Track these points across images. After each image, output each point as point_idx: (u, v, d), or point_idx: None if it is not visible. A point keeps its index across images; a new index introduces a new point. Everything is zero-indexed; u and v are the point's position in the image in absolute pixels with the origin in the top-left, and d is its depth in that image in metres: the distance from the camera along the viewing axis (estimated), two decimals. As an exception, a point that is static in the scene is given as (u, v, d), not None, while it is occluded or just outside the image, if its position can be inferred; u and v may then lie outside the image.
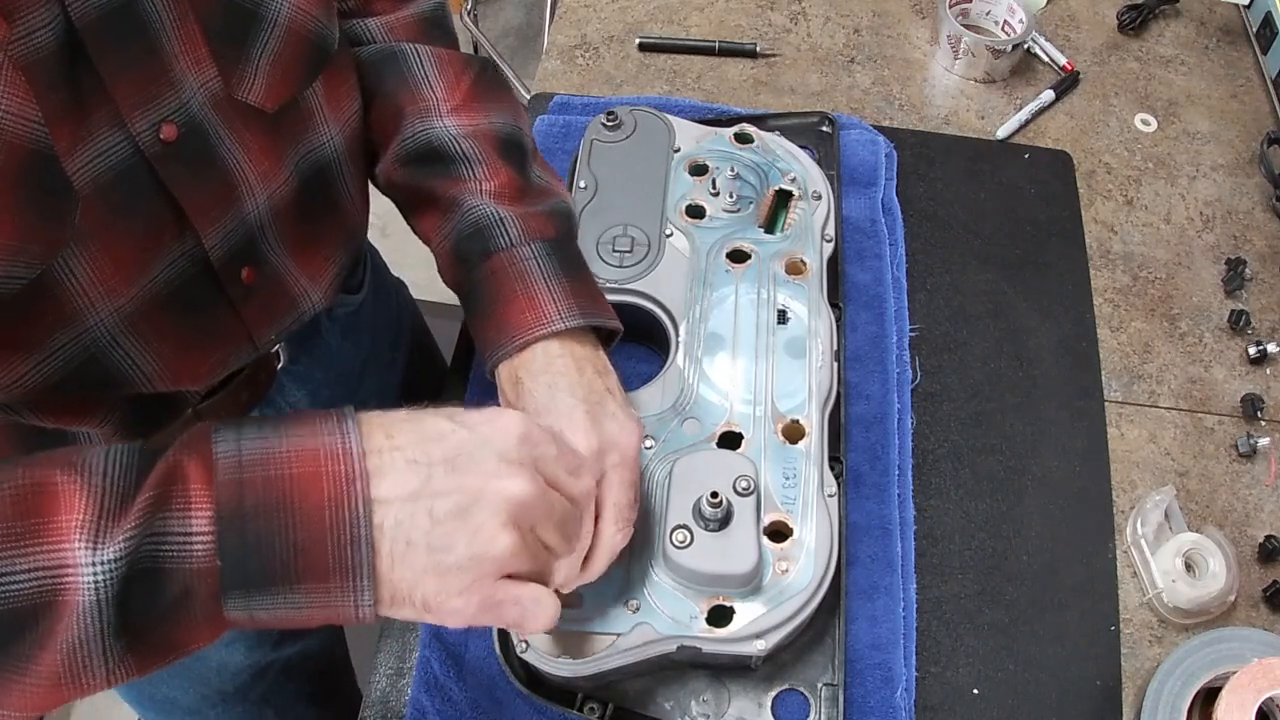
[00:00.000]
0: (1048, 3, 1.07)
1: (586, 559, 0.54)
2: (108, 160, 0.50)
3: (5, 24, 0.44)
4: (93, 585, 0.40)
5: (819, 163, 0.85)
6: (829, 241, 0.79)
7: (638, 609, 0.61)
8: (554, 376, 0.59)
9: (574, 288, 0.62)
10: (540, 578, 0.50)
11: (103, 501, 0.41)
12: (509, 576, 0.46)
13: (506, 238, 0.63)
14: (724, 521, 0.62)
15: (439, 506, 0.43)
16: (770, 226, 0.79)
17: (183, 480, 0.42)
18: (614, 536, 0.55)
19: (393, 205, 0.71)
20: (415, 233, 0.70)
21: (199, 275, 0.58)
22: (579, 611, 0.61)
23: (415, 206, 0.68)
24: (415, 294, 1.82)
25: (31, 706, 0.42)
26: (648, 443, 0.67)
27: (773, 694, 0.64)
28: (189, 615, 0.42)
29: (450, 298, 0.69)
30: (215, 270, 0.59)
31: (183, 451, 0.43)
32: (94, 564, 0.40)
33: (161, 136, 0.52)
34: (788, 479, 0.66)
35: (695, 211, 0.79)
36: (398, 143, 0.66)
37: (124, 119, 0.50)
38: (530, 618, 0.47)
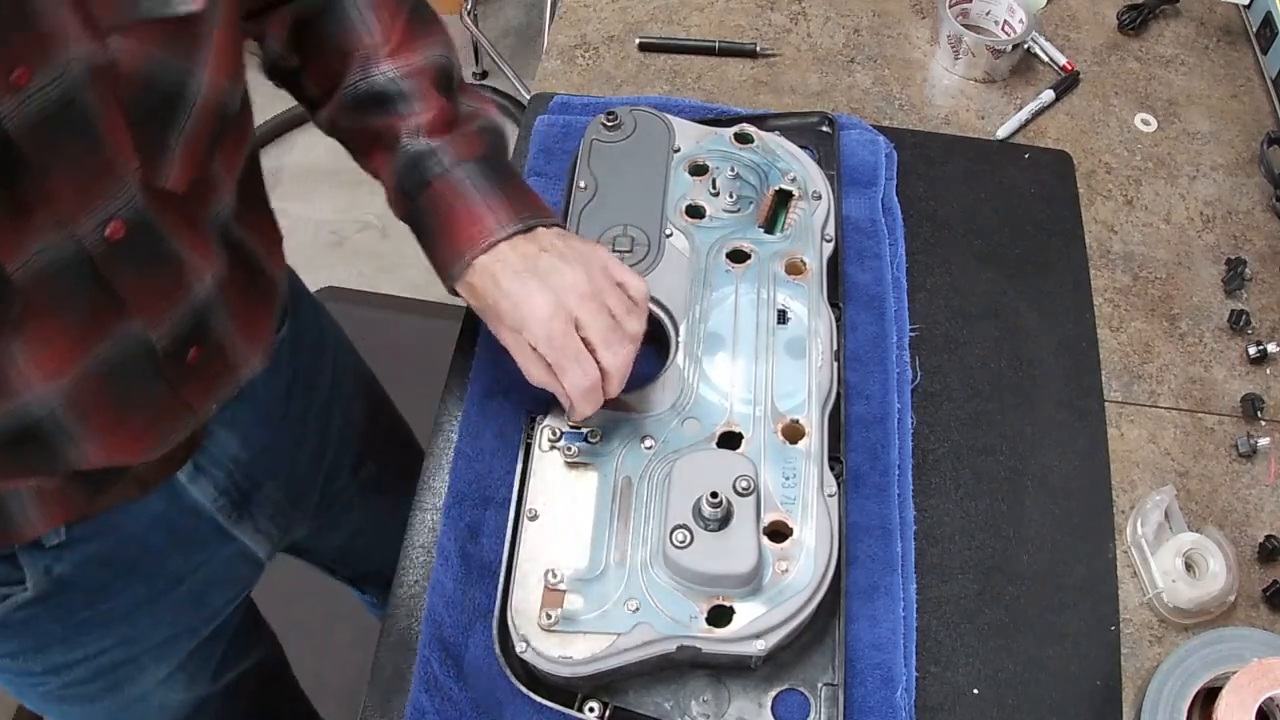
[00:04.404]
0: (1048, 3, 1.07)
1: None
2: (48, 257, 0.50)
3: None
4: None
5: (819, 163, 0.85)
6: (829, 241, 0.79)
7: (638, 609, 0.61)
8: (502, 265, 0.65)
9: (509, 197, 0.67)
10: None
11: None
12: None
13: (441, 165, 0.67)
14: (724, 521, 0.62)
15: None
16: (770, 226, 0.79)
17: None
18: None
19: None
20: (365, 170, 0.72)
21: (142, 356, 0.59)
22: (579, 611, 0.61)
23: (362, 146, 0.71)
24: (415, 294, 1.83)
25: None
26: (647, 443, 0.67)
27: (773, 694, 0.64)
28: None
29: (451, 298, 0.69)
30: (158, 358, 0.60)
31: None
32: None
33: (107, 234, 0.52)
34: (788, 479, 0.66)
35: (695, 211, 0.79)
36: (341, 90, 0.70)
37: (67, 221, 0.50)
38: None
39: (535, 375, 0.65)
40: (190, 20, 0.52)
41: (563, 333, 0.62)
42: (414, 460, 1.05)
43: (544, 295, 0.62)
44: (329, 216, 2.02)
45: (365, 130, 0.69)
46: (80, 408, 0.57)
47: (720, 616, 0.62)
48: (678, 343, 0.72)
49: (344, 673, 1.43)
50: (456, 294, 0.68)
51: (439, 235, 0.66)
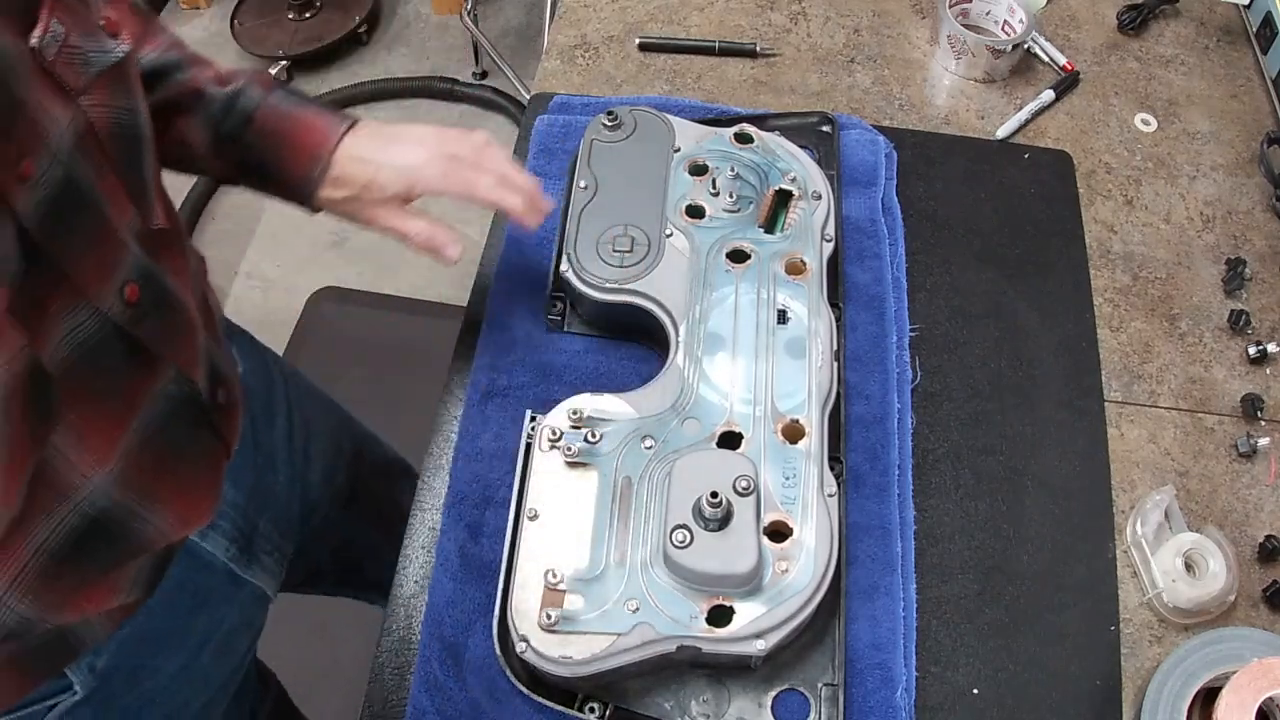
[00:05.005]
0: (1048, 3, 1.07)
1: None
2: (80, 337, 0.50)
3: None
4: None
5: (819, 163, 0.85)
6: (829, 241, 0.79)
7: (638, 609, 0.61)
8: (362, 145, 0.69)
9: (322, 106, 0.71)
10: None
11: None
12: None
13: (254, 99, 0.69)
14: (724, 521, 0.62)
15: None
16: (770, 226, 0.79)
17: None
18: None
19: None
20: (170, 143, 0.70)
21: (184, 404, 0.60)
22: (579, 611, 0.61)
23: (163, 119, 0.69)
24: (415, 294, 1.83)
25: None
26: (647, 443, 0.67)
27: (773, 694, 0.64)
28: None
29: (450, 297, 0.69)
30: (201, 401, 0.61)
31: None
32: None
33: (127, 297, 0.53)
34: (788, 479, 0.66)
35: (695, 211, 0.79)
36: None
37: (92, 297, 0.51)
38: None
39: (420, 231, 0.67)
40: (125, 61, 0.53)
41: (454, 161, 0.67)
42: (394, 475, 1.05)
43: (415, 146, 0.67)
44: (330, 217, 2.02)
45: (162, 102, 0.69)
46: (141, 481, 0.57)
47: (720, 616, 0.62)
48: (678, 343, 0.72)
49: (344, 673, 1.43)
50: (318, 209, 0.70)
51: (284, 155, 0.68)
